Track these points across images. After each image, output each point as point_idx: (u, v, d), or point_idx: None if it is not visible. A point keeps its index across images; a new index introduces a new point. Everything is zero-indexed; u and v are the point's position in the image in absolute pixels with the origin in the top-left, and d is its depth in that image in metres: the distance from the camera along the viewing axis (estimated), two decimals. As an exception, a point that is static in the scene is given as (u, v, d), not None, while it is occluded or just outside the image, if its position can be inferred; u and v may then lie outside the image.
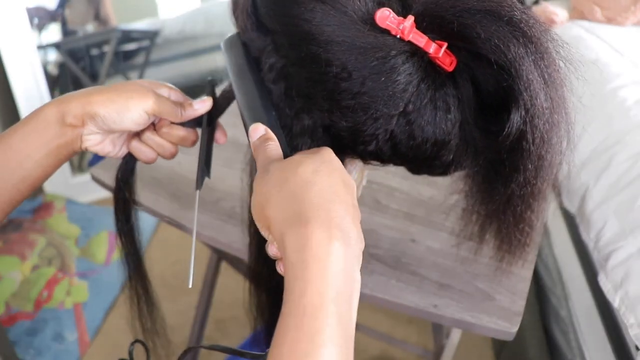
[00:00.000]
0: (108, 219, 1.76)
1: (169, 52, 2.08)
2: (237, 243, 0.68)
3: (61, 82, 1.85)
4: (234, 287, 1.46)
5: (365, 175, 0.60)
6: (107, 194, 1.88)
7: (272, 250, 0.39)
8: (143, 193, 0.76)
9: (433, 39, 0.40)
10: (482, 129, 0.42)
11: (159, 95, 0.48)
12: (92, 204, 1.86)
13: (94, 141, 0.48)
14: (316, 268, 0.33)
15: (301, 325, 0.32)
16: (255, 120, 0.44)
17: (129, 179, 0.55)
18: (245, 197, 0.53)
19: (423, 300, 0.60)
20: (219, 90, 0.54)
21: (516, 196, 0.43)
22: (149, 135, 0.50)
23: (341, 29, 0.40)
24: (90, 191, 1.88)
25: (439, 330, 1.05)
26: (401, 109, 0.41)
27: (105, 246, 1.65)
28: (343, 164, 0.50)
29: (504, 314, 0.58)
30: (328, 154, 0.41)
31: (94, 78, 1.91)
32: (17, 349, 1.29)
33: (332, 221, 0.35)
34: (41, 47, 1.73)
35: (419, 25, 0.40)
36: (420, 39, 0.39)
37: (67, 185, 1.87)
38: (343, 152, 0.48)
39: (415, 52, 0.40)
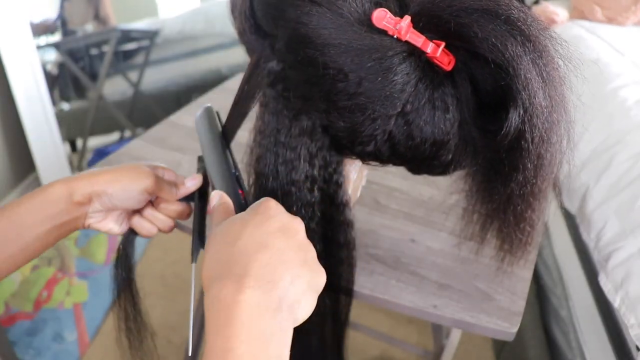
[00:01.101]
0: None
1: (168, 52, 2.08)
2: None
3: (60, 81, 1.85)
4: (233, 287, 1.46)
5: (365, 175, 0.60)
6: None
7: None
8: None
9: (430, 39, 0.40)
10: (480, 128, 0.41)
11: (157, 176, 0.52)
12: (92, 204, 1.85)
13: (97, 218, 0.51)
14: (225, 316, 0.35)
15: None
16: (218, 185, 0.49)
17: (129, 249, 0.56)
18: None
19: (423, 301, 0.60)
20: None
21: (516, 195, 0.43)
22: (149, 212, 0.53)
23: (338, 31, 0.40)
24: (90, 191, 1.88)
25: (438, 331, 1.05)
26: (399, 109, 0.41)
27: (105, 246, 1.65)
28: (342, 163, 0.50)
29: (504, 314, 0.58)
30: (264, 204, 0.42)
31: (94, 78, 1.91)
32: (16, 349, 1.29)
33: (248, 272, 0.36)
34: (40, 47, 1.73)
35: (416, 25, 0.40)
36: (418, 39, 0.39)
37: (66, 185, 1.87)
38: (342, 153, 0.48)
39: (412, 52, 0.40)
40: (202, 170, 0.55)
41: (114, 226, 0.53)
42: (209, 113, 0.54)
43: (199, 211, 0.54)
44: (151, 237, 0.55)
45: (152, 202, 0.54)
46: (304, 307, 0.38)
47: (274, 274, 0.37)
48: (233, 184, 0.49)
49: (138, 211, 0.54)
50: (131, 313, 0.57)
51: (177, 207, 0.54)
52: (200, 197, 0.54)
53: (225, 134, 0.52)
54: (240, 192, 0.49)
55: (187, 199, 0.54)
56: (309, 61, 0.41)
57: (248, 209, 0.42)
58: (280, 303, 0.36)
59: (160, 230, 0.54)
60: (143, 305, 0.57)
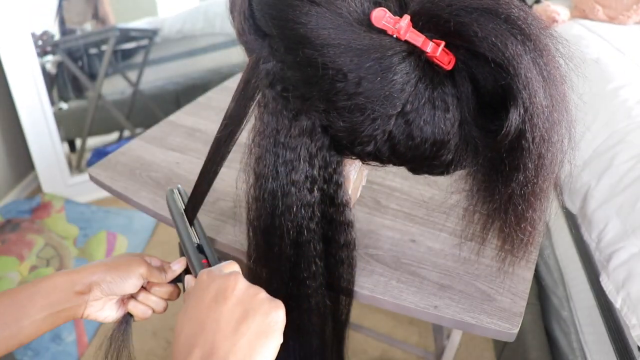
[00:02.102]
0: (107, 219, 1.76)
1: (168, 51, 2.07)
2: (236, 243, 0.67)
3: (59, 81, 1.85)
4: (233, 288, 1.46)
5: (365, 175, 0.60)
6: (105, 194, 1.88)
7: None
8: (142, 193, 0.76)
9: (430, 38, 0.39)
10: (481, 127, 0.41)
11: (148, 263, 0.57)
12: (91, 204, 1.85)
13: (96, 307, 0.55)
14: None
15: None
16: (185, 253, 0.57)
17: (125, 330, 0.59)
18: (243, 197, 0.53)
19: (423, 301, 0.59)
20: None
21: (517, 195, 0.42)
22: (143, 296, 0.58)
23: (337, 31, 0.39)
24: (89, 191, 1.88)
25: (439, 331, 1.04)
26: (399, 109, 0.41)
27: (104, 246, 1.64)
28: (342, 164, 0.49)
29: (505, 315, 0.58)
30: (197, 282, 0.47)
31: (92, 77, 1.90)
32: (15, 350, 1.29)
33: (186, 351, 0.40)
34: (40, 47, 1.72)
35: (416, 24, 0.39)
36: (417, 38, 0.39)
37: (65, 185, 1.87)
38: (342, 153, 0.47)
39: (412, 52, 0.40)
40: (183, 254, 0.60)
41: (110, 313, 0.57)
42: (171, 195, 0.61)
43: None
44: (145, 319, 0.59)
45: (144, 287, 0.58)
46: (264, 353, 0.41)
47: (213, 348, 0.40)
48: (196, 255, 0.55)
49: (132, 296, 0.58)
50: None
51: (167, 289, 0.58)
52: (187, 274, 0.60)
53: (188, 210, 0.59)
54: (204, 261, 0.55)
55: (175, 280, 0.59)
56: (308, 61, 0.40)
57: (189, 289, 0.47)
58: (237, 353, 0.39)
59: (154, 311, 0.59)
60: None
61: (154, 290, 0.58)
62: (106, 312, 0.56)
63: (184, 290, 0.58)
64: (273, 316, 0.42)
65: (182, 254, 0.60)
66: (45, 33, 1.74)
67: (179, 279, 0.59)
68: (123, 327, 0.59)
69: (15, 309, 0.50)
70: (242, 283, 0.44)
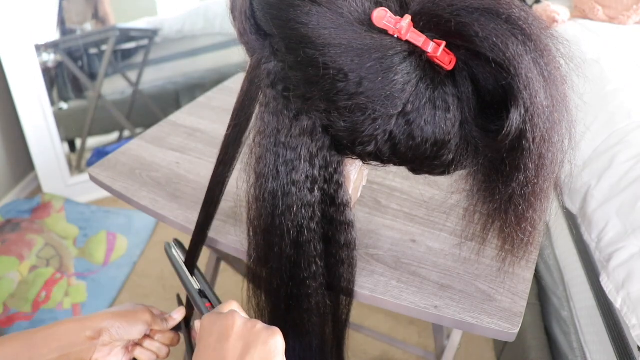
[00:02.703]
0: (107, 219, 1.75)
1: (168, 51, 2.07)
2: (237, 243, 0.67)
3: (59, 81, 1.85)
4: (233, 288, 1.46)
5: (365, 175, 0.60)
6: (105, 194, 1.88)
7: None
8: (142, 193, 0.76)
9: (431, 38, 0.39)
10: (482, 128, 0.41)
11: (151, 311, 0.62)
12: (91, 204, 1.85)
13: (103, 353, 0.58)
14: None
15: None
16: (192, 301, 0.61)
17: None
18: (243, 197, 0.53)
19: (423, 301, 0.59)
20: None
21: (518, 195, 0.42)
22: (148, 343, 0.63)
23: (338, 31, 0.39)
24: (89, 191, 1.88)
25: (439, 331, 1.04)
26: (400, 109, 0.41)
27: (104, 246, 1.64)
28: (343, 164, 0.49)
29: (505, 315, 0.58)
30: (201, 328, 0.49)
31: (92, 77, 1.90)
32: None
33: None
34: (39, 46, 1.72)
35: (417, 24, 0.39)
36: (419, 38, 0.39)
37: (65, 185, 1.87)
38: (342, 153, 0.47)
39: (413, 52, 0.40)
40: (182, 303, 0.67)
41: (117, 359, 0.60)
42: (169, 249, 0.67)
43: (187, 336, 0.66)
44: None
45: (148, 335, 0.63)
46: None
47: None
48: (200, 301, 0.60)
49: (137, 344, 0.62)
50: None
51: (169, 336, 0.63)
52: (186, 324, 0.66)
53: (188, 260, 0.64)
54: (207, 304, 0.59)
55: (176, 328, 0.65)
56: (309, 61, 0.40)
57: (198, 335, 0.50)
58: None
59: (158, 357, 0.63)
60: None
61: (157, 337, 0.63)
62: (112, 358, 0.60)
63: (187, 337, 0.65)
64: (271, 343, 0.46)
65: (181, 304, 0.67)
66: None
67: (179, 327, 0.65)
68: None
69: (29, 348, 0.54)
70: (240, 320, 0.48)
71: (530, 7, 1.70)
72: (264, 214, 0.50)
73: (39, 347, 0.54)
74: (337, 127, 0.43)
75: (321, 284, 0.54)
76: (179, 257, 0.66)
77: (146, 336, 0.63)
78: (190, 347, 0.64)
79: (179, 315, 0.65)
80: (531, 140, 0.38)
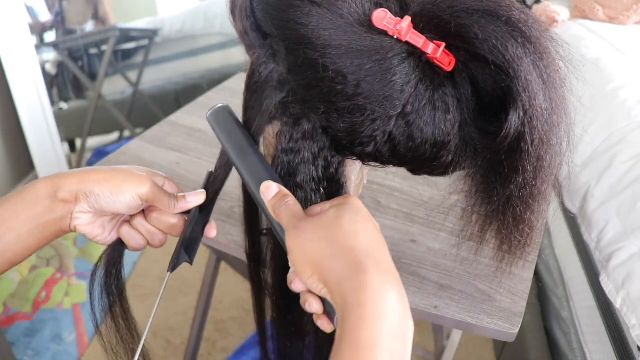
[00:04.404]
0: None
1: (168, 51, 2.07)
2: (237, 243, 0.67)
3: (59, 81, 1.85)
4: (233, 288, 1.46)
5: (365, 174, 0.60)
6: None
7: (296, 285, 0.43)
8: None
9: (431, 39, 0.39)
10: (481, 129, 0.41)
11: (155, 183, 0.48)
12: (91, 204, 1.85)
13: (84, 220, 0.47)
14: (372, 308, 0.35)
15: (358, 357, 0.34)
16: (265, 178, 0.45)
17: (118, 265, 0.52)
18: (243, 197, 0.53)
19: (423, 301, 0.60)
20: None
21: (516, 197, 0.42)
22: (140, 222, 0.49)
23: (338, 32, 0.39)
24: (90, 191, 1.88)
25: (439, 331, 1.04)
26: (399, 110, 0.41)
27: (104, 246, 1.64)
28: (344, 164, 0.49)
29: (505, 315, 0.58)
30: (356, 202, 0.43)
31: (93, 77, 1.90)
32: (15, 350, 1.29)
33: (381, 266, 0.38)
34: (39, 47, 1.72)
35: (417, 25, 0.39)
36: (418, 39, 0.39)
37: (66, 185, 1.86)
38: (342, 153, 0.47)
39: (412, 53, 0.40)
40: (207, 187, 0.51)
41: (100, 232, 0.49)
42: (229, 112, 0.48)
43: (194, 224, 0.50)
44: (139, 250, 0.51)
45: (144, 212, 0.50)
46: None
47: (395, 271, 0.39)
48: (271, 172, 0.46)
49: (127, 221, 0.50)
50: (123, 330, 0.53)
51: (170, 220, 0.49)
52: (200, 210, 0.50)
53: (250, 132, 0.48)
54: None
55: (183, 212, 0.50)
56: (309, 63, 0.41)
57: (337, 205, 0.43)
58: (407, 306, 0.37)
59: (149, 243, 0.50)
60: (134, 321, 0.54)
61: (153, 218, 0.49)
62: (96, 229, 0.48)
63: (202, 227, 0.50)
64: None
65: (209, 181, 0.51)
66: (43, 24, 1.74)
67: (185, 214, 0.50)
68: (114, 257, 0.51)
69: None
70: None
71: (530, 7, 1.70)
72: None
73: (7, 221, 0.44)
74: (336, 128, 0.44)
75: None
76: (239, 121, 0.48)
77: (142, 212, 0.50)
78: (194, 239, 0.49)
79: (196, 198, 0.50)
80: (530, 142, 0.39)
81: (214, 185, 0.51)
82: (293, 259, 0.41)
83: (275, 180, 0.45)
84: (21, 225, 0.45)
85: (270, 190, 0.44)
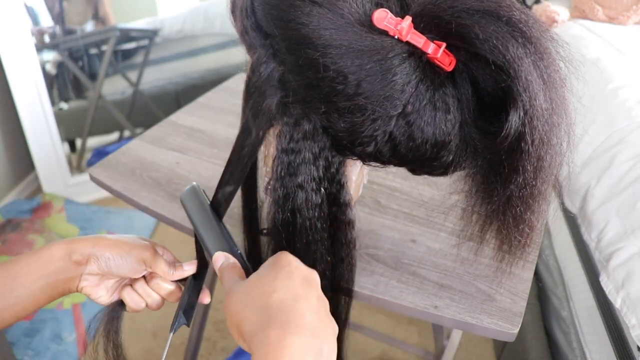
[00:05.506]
0: (107, 219, 1.76)
1: (168, 51, 2.07)
2: (236, 243, 0.67)
3: (59, 81, 1.85)
4: (233, 288, 1.46)
5: (366, 173, 0.60)
6: (106, 194, 1.88)
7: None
8: (142, 193, 0.76)
9: (431, 39, 0.39)
10: (481, 129, 0.41)
11: (156, 251, 0.53)
12: (91, 204, 1.85)
13: (91, 282, 0.52)
14: (273, 357, 0.37)
15: None
16: (218, 249, 0.50)
17: (117, 324, 0.56)
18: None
19: (423, 301, 0.60)
20: None
21: (515, 197, 0.42)
22: (141, 285, 0.54)
23: (338, 32, 0.39)
24: (89, 191, 1.88)
25: (439, 331, 1.04)
26: (400, 110, 0.41)
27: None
28: (344, 164, 0.49)
29: (505, 315, 0.58)
30: (284, 258, 0.45)
31: (93, 77, 1.90)
32: (15, 350, 1.29)
33: (292, 320, 0.39)
34: (39, 47, 1.72)
35: (417, 25, 0.40)
36: (419, 39, 0.39)
37: (65, 185, 1.87)
38: (343, 153, 0.47)
39: (413, 53, 0.40)
40: (198, 256, 0.57)
41: (104, 294, 0.54)
42: (196, 190, 0.55)
43: (191, 290, 0.55)
44: (137, 312, 0.55)
45: (145, 278, 0.55)
46: (332, 352, 0.41)
47: (310, 322, 0.40)
48: (232, 246, 0.51)
49: (130, 284, 0.55)
50: None
51: (169, 286, 0.55)
52: (194, 277, 0.56)
53: (215, 209, 0.53)
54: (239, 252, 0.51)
55: (180, 281, 0.56)
56: (309, 63, 0.41)
57: (267, 264, 0.45)
58: (321, 348, 0.39)
59: (148, 306, 0.55)
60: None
61: (154, 283, 0.54)
62: (101, 291, 0.53)
63: (197, 292, 0.55)
64: (336, 329, 0.43)
65: (198, 253, 0.56)
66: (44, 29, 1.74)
67: (181, 282, 0.56)
68: (113, 315, 0.56)
69: (11, 279, 0.48)
70: (319, 282, 0.45)
71: (530, 7, 1.70)
72: (271, 219, 0.51)
73: (21, 278, 0.48)
74: (337, 127, 0.44)
75: (325, 284, 0.54)
76: (206, 199, 0.55)
77: (143, 278, 0.55)
78: (190, 303, 0.55)
79: (191, 267, 0.55)
80: (530, 142, 0.39)
81: (202, 255, 0.55)
82: (227, 320, 0.44)
83: (228, 251, 0.50)
84: (33, 283, 0.49)
85: (218, 260, 0.49)
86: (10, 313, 0.49)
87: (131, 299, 0.54)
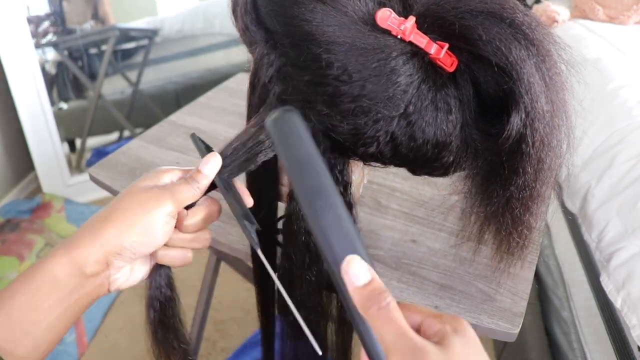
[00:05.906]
0: (107, 219, 1.75)
1: (168, 51, 2.07)
2: (237, 244, 0.67)
3: (59, 81, 1.85)
4: (233, 288, 1.46)
5: (366, 173, 0.60)
6: (105, 194, 1.88)
7: None
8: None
9: (434, 40, 0.39)
10: (482, 130, 0.41)
11: (170, 187, 0.42)
12: (91, 204, 1.85)
13: (123, 278, 0.43)
14: None
15: None
16: (348, 250, 0.31)
17: (172, 289, 0.48)
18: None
19: (424, 301, 0.60)
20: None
21: (515, 199, 0.42)
22: (175, 238, 0.43)
23: (342, 29, 0.39)
24: (89, 191, 1.88)
25: (439, 331, 1.04)
26: (402, 111, 0.41)
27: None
28: (345, 165, 0.49)
29: (505, 315, 0.58)
30: (471, 331, 0.32)
31: (92, 77, 1.90)
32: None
33: None
34: (39, 46, 1.72)
35: (420, 26, 0.40)
36: (422, 40, 0.39)
37: (65, 185, 1.87)
38: (344, 155, 0.47)
39: (416, 53, 0.40)
40: (206, 148, 0.47)
41: (142, 274, 0.45)
42: (297, 121, 0.34)
43: (231, 197, 0.43)
44: (187, 264, 0.46)
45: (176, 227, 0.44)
46: None
47: None
48: (360, 239, 0.32)
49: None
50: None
51: (205, 209, 0.44)
52: (226, 189, 0.43)
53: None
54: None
55: (208, 190, 0.44)
56: (312, 59, 0.41)
57: (453, 327, 0.32)
58: None
59: (196, 248, 0.45)
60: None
61: (188, 225, 0.43)
62: (137, 275, 0.44)
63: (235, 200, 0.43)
64: None
65: (205, 147, 0.44)
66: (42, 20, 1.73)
67: (211, 188, 0.44)
68: (161, 282, 0.46)
69: (17, 321, 0.38)
70: None
71: (531, 7, 1.70)
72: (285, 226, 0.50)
73: (27, 314, 0.38)
74: (339, 130, 0.43)
75: (325, 284, 0.54)
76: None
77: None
78: (240, 206, 0.43)
79: (210, 167, 0.43)
80: (531, 144, 0.39)
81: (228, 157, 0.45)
82: None
83: (362, 254, 0.32)
84: (46, 316, 0.39)
85: (356, 274, 0.31)
86: (36, 355, 0.39)
87: (172, 258, 0.44)
